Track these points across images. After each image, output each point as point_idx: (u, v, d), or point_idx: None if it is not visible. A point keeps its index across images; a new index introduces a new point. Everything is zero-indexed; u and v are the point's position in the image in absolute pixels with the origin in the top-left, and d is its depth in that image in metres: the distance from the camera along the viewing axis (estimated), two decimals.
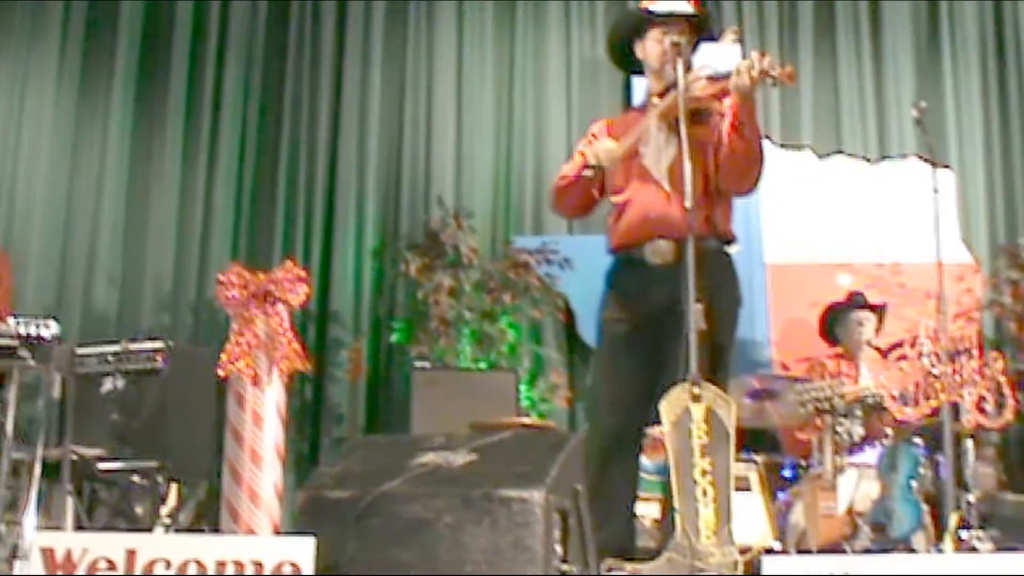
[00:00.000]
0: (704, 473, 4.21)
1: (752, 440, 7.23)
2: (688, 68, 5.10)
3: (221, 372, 7.15)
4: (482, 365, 8.10)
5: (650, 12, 5.22)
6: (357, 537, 3.88)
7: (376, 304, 8.74)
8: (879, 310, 7.68)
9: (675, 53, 4.90)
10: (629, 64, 5.40)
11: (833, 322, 7.76)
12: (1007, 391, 5.19)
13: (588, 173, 5.07)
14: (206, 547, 3.79)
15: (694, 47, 5.26)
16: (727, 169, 4.95)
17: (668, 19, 5.18)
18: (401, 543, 3.84)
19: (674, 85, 4.88)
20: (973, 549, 5.55)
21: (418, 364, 7.98)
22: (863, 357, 7.51)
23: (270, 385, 7.21)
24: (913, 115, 5.96)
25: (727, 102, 4.87)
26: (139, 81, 9.06)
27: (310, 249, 8.80)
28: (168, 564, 3.72)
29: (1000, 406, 5.23)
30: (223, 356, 7.21)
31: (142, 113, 9.01)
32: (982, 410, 5.23)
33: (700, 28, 5.26)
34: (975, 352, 5.28)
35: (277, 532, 7.04)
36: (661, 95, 5.09)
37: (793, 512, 6.61)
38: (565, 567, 3.87)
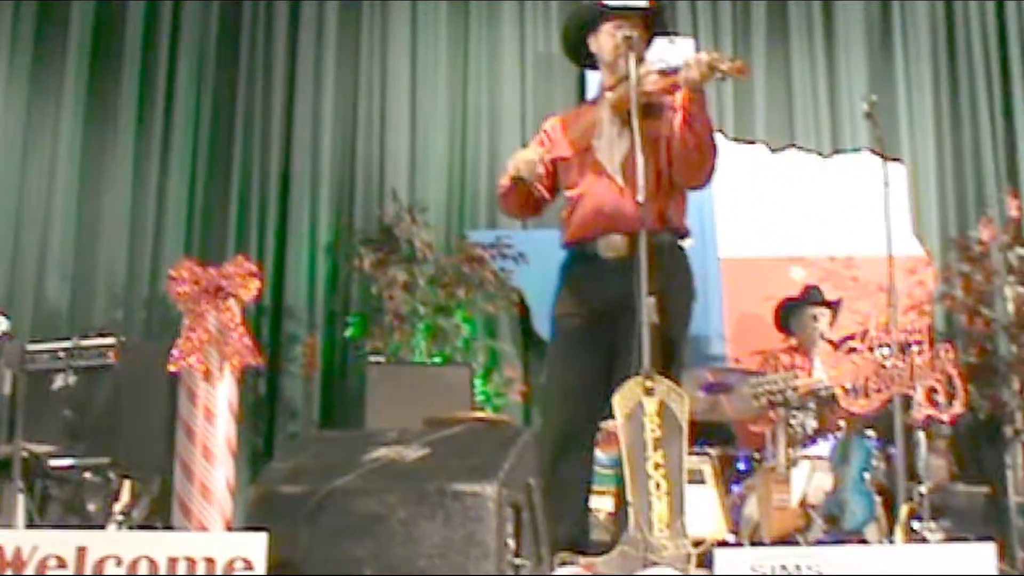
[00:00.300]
0: (657, 466, 4.21)
1: (706, 433, 7.25)
2: (640, 62, 5.10)
3: (172, 367, 7.11)
4: (436, 360, 8.09)
5: (604, 5, 5.22)
6: (310, 532, 3.88)
7: (330, 299, 8.72)
8: (834, 306, 7.72)
9: (627, 47, 4.89)
10: (583, 58, 5.39)
11: (788, 315, 7.80)
12: (957, 383, 5.22)
13: (506, 182, 5.10)
14: (157, 544, 3.77)
15: (648, 42, 5.27)
16: (680, 163, 4.94)
17: (622, 13, 5.18)
18: (354, 538, 3.84)
19: (626, 79, 4.88)
20: (924, 540, 5.59)
21: (372, 359, 7.97)
22: (817, 350, 7.54)
23: (221, 380, 7.18)
24: (863, 109, 5.98)
25: (679, 96, 4.87)
26: (91, 77, 8.99)
27: (264, 244, 8.77)
28: (119, 561, 3.70)
29: (951, 398, 5.26)
30: (174, 351, 7.17)
31: (94, 109, 8.94)
32: (933, 402, 5.26)
33: (654, 23, 5.26)
34: (926, 344, 5.31)
35: (229, 528, 7.01)
36: (613, 89, 5.09)
37: (747, 505, 6.64)
38: (518, 561, 3.88)
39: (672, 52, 5.34)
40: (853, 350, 5.38)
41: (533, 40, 9.27)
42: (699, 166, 4.99)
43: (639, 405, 4.27)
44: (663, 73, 4.93)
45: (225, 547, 3.74)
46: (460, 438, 4.19)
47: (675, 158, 4.92)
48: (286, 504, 3.95)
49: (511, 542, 3.85)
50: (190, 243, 8.73)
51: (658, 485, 4.20)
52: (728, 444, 7.46)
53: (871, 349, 5.33)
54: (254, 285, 7.51)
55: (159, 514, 7.14)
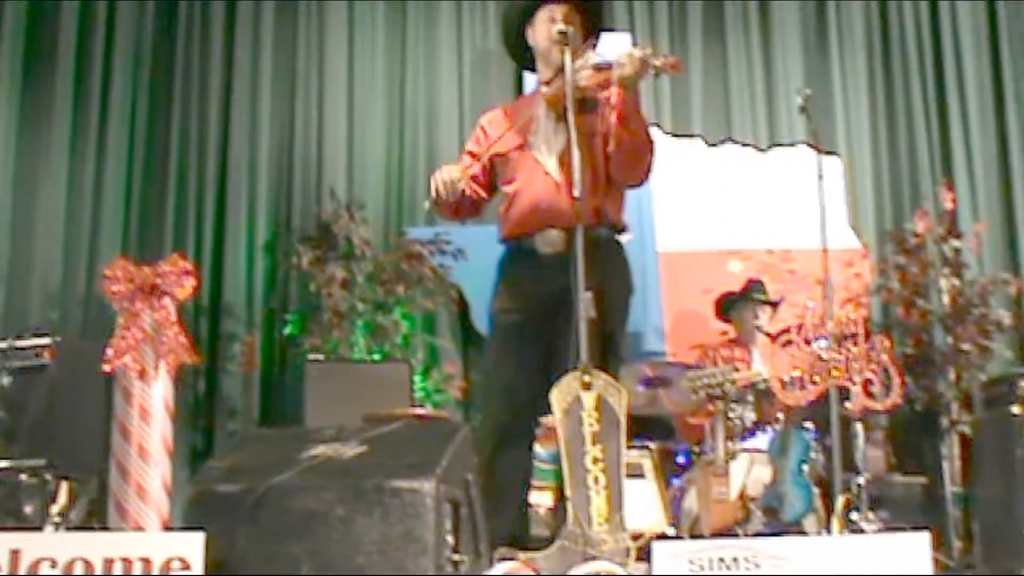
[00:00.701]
0: (595, 461, 4.23)
1: (646, 427, 7.27)
2: (577, 56, 5.11)
3: (107, 367, 7.06)
4: (376, 357, 8.07)
5: None
6: (247, 531, 3.84)
7: (269, 297, 8.68)
8: (775, 305, 7.76)
9: (562, 42, 4.90)
10: (525, 58, 5.38)
11: (729, 307, 7.84)
12: (893, 374, 5.27)
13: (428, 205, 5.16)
14: (93, 545, 3.73)
15: (589, 36, 5.27)
16: (616, 161, 4.96)
17: (555, 1, 5.19)
18: (292, 536, 3.81)
19: (562, 72, 4.88)
20: (860, 531, 5.63)
21: (311, 356, 7.94)
22: (756, 343, 7.58)
23: (157, 379, 7.11)
24: (798, 102, 6.02)
25: (614, 92, 4.87)
26: (25, 77, 8.86)
27: (202, 242, 8.71)
28: (54, 563, 3.66)
29: (887, 388, 5.30)
30: (109, 351, 7.12)
31: (29, 109, 8.82)
32: (869, 393, 5.30)
33: (590, 14, 5.26)
34: (862, 336, 5.34)
35: (167, 528, 6.96)
36: (550, 83, 5.09)
37: (686, 498, 6.66)
38: (456, 557, 3.87)
39: (607, 46, 5.36)
40: (790, 343, 5.41)
41: (471, 38, 9.27)
42: (635, 165, 5.02)
43: (577, 400, 4.28)
44: (598, 68, 4.94)
45: (162, 547, 3.71)
46: (398, 435, 4.17)
47: (612, 156, 4.93)
48: (223, 503, 3.91)
49: (449, 538, 3.83)
50: (127, 242, 8.65)
51: (596, 479, 4.22)
52: (668, 438, 7.48)
53: (807, 342, 5.36)
54: (189, 283, 7.44)
55: (97, 515, 7.08)
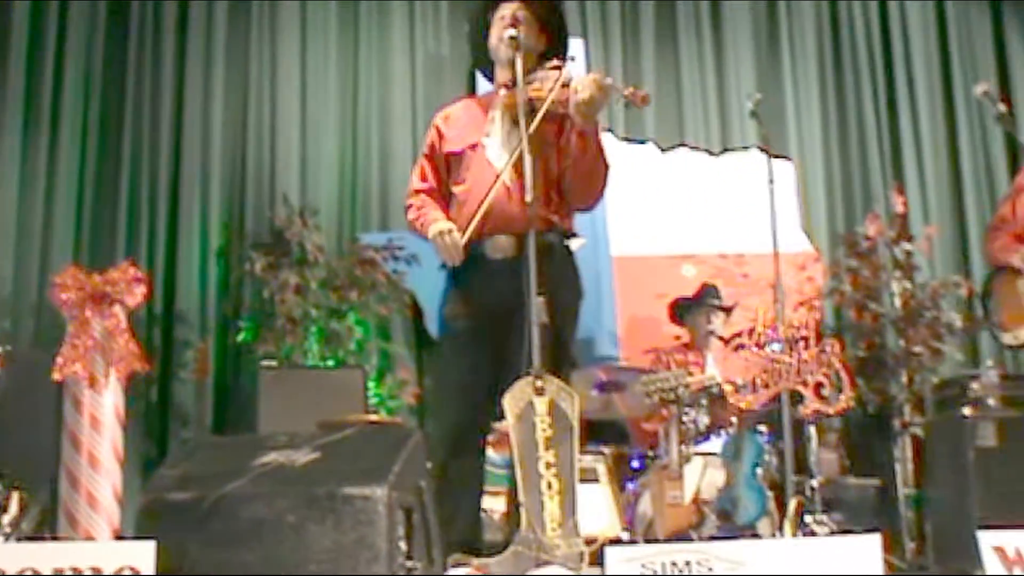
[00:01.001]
0: (548, 466, 4.24)
1: (600, 432, 7.28)
2: (538, 63, 5.13)
3: (57, 375, 7.01)
4: (329, 363, 8.04)
5: None
6: (199, 539, 3.84)
7: (222, 303, 8.62)
8: (729, 310, 7.79)
9: (514, 47, 4.91)
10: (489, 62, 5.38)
11: (683, 312, 7.87)
12: (844, 377, 5.29)
13: (414, 221, 5.19)
14: (42, 555, 3.71)
15: (551, 41, 5.28)
16: (569, 184, 4.98)
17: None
18: (244, 544, 3.80)
19: (524, 75, 4.90)
20: (813, 533, 5.65)
21: (264, 363, 7.91)
22: (709, 347, 7.60)
23: (107, 388, 7.07)
24: (749, 107, 6.04)
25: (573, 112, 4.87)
26: None
27: (154, 249, 8.65)
28: (3, 574, 3.63)
29: (838, 391, 5.32)
30: (59, 359, 7.07)
31: None
32: (820, 396, 5.32)
33: (548, 16, 5.26)
34: (813, 340, 5.37)
35: (118, 537, 6.92)
36: (507, 86, 5.09)
37: (641, 502, 6.67)
38: (409, 564, 3.86)
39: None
40: (741, 347, 5.43)
41: (423, 42, 9.26)
42: (588, 190, 5.07)
43: (530, 405, 4.28)
44: (565, 86, 4.93)
45: (112, 556, 3.69)
46: (350, 441, 4.17)
47: (565, 179, 4.96)
48: (175, 511, 3.90)
49: (402, 545, 3.83)
50: (79, 249, 8.57)
51: (550, 485, 4.22)
52: (622, 442, 7.49)
53: (759, 346, 5.38)
54: (140, 291, 7.40)
55: (48, 525, 7.02)
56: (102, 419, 6.99)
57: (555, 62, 5.16)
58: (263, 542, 3.79)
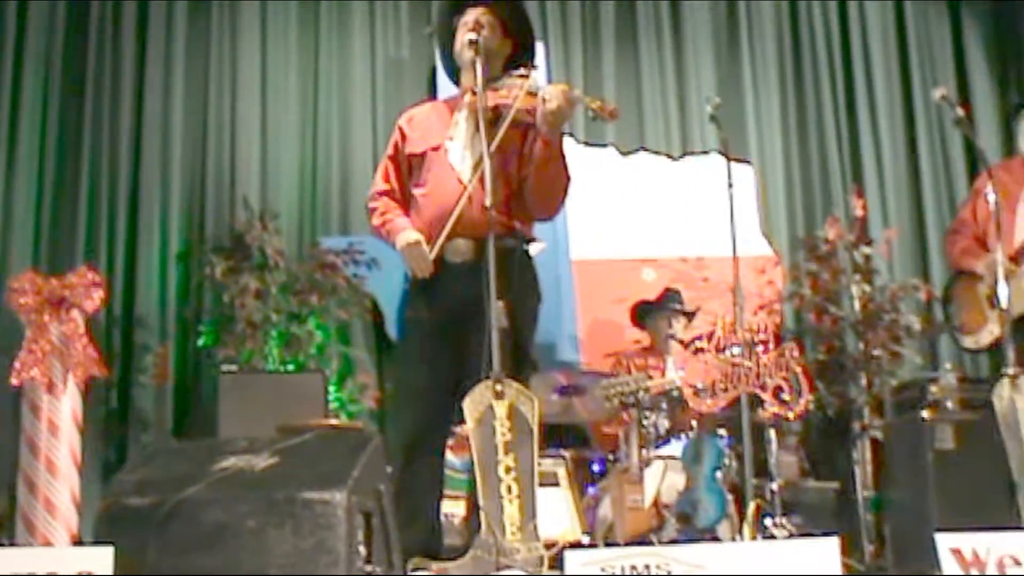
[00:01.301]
0: (508, 470, 4.24)
1: (560, 435, 7.30)
2: (504, 69, 5.15)
3: (14, 381, 6.97)
4: (290, 367, 8.02)
5: None
6: (158, 544, 3.82)
7: (182, 308, 8.58)
8: (690, 315, 7.80)
9: (473, 51, 4.92)
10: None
11: (644, 316, 7.88)
12: (802, 380, 5.30)
13: (378, 225, 5.21)
14: (0, 561, 3.68)
15: (516, 46, 5.29)
16: (530, 194, 5.00)
17: (471, 4, 5.20)
18: (203, 549, 3.79)
19: (490, 81, 4.92)
20: (772, 536, 5.67)
21: (225, 367, 7.88)
22: (670, 351, 7.62)
23: (65, 393, 7.04)
24: (708, 111, 6.06)
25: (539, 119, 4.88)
26: None
27: (114, 253, 8.60)
28: None
29: (797, 395, 5.34)
30: (16, 364, 7.03)
31: None
32: (780, 400, 5.34)
33: (510, 23, 5.27)
34: (772, 343, 5.38)
35: (76, 543, 6.88)
36: (473, 91, 5.09)
37: (601, 506, 6.68)
38: (369, 568, 3.86)
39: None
40: (701, 350, 5.43)
41: (384, 46, 9.24)
42: (549, 201, 5.11)
43: (489, 409, 4.29)
44: (532, 93, 4.94)
45: (70, 562, 3.67)
46: (309, 446, 4.16)
47: (526, 188, 4.97)
48: (133, 517, 3.88)
49: (362, 549, 3.82)
50: (38, 253, 8.51)
51: (509, 489, 4.22)
52: (582, 446, 7.51)
53: (718, 349, 5.39)
54: (98, 295, 7.36)
55: (7, 531, 6.98)
56: (60, 424, 6.95)
57: (521, 70, 5.17)
58: (222, 547, 3.77)
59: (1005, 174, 6.23)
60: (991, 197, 5.46)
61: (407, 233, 5.00)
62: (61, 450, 6.97)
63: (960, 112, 5.74)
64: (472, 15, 5.16)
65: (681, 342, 7.46)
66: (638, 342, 7.98)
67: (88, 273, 7.32)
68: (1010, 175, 6.26)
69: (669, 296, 7.89)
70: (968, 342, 6.33)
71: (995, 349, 6.03)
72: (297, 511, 3.76)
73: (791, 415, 5.33)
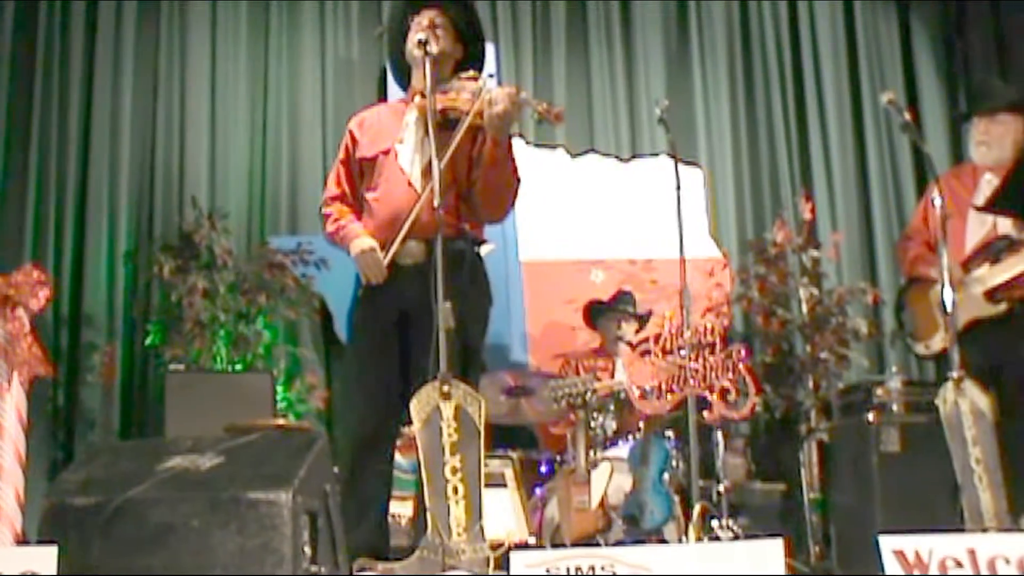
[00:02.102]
0: (454, 471, 4.24)
1: (508, 436, 7.31)
2: (454, 72, 5.15)
3: None
4: (238, 367, 7.98)
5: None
6: (102, 544, 3.80)
7: (129, 307, 8.53)
8: (642, 317, 7.82)
9: (423, 52, 4.91)
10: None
11: (596, 316, 7.90)
12: (749, 382, 5.33)
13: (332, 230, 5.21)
14: None
15: (466, 49, 5.29)
16: (479, 197, 5.02)
17: (426, 5, 5.21)
18: (147, 549, 3.77)
19: (438, 83, 4.92)
20: (717, 538, 5.70)
21: (172, 367, 7.84)
22: (620, 353, 7.64)
23: (10, 392, 6.99)
24: (657, 113, 6.08)
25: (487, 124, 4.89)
26: None
27: (61, 252, 8.54)
28: None
29: (744, 397, 5.37)
30: None
31: None
32: (726, 402, 5.36)
33: (462, 26, 5.27)
34: (719, 345, 5.41)
35: (20, 542, 6.84)
36: (423, 93, 5.09)
37: (548, 507, 6.69)
38: (314, 568, 3.85)
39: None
40: (647, 352, 5.46)
41: (333, 45, 9.22)
42: (497, 204, 5.14)
43: (436, 410, 4.28)
44: (476, 95, 4.95)
45: (14, 561, 3.64)
46: (255, 446, 4.14)
47: (475, 191, 4.98)
48: (77, 516, 3.86)
49: (307, 549, 3.81)
50: None
51: (456, 489, 4.22)
52: (530, 447, 7.52)
53: (665, 351, 5.41)
54: (43, 294, 7.30)
55: None
56: (5, 424, 6.90)
57: (471, 72, 5.18)
58: (167, 547, 3.76)
59: (956, 181, 6.30)
60: (937, 203, 5.50)
61: (362, 240, 5.02)
62: (6, 450, 6.92)
63: (907, 117, 5.78)
64: (426, 16, 5.16)
65: (629, 344, 7.48)
66: (587, 342, 7.99)
67: (34, 272, 7.26)
68: (960, 182, 6.33)
69: (621, 298, 7.91)
70: (920, 349, 6.39)
71: (946, 355, 6.09)
72: (242, 511, 3.75)
73: (737, 417, 5.36)
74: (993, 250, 6.08)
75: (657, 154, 9.19)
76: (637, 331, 7.70)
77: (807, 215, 8.73)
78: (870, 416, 6.67)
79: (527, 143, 8.90)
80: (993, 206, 5.73)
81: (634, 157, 9.33)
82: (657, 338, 5.45)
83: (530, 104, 4.88)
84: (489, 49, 8.02)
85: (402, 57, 5.31)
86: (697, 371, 5.35)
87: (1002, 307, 6.02)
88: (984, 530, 4.93)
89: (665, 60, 9.67)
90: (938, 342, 6.20)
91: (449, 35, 5.21)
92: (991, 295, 6.03)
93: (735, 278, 8.86)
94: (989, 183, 6.19)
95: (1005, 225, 6.09)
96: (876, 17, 10.09)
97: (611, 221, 9.09)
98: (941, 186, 5.57)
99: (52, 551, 3.65)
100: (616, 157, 9.31)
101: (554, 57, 9.46)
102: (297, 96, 9.11)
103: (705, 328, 5.47)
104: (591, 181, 9.19)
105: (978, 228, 6.19)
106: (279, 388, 7.90)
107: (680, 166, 5.99)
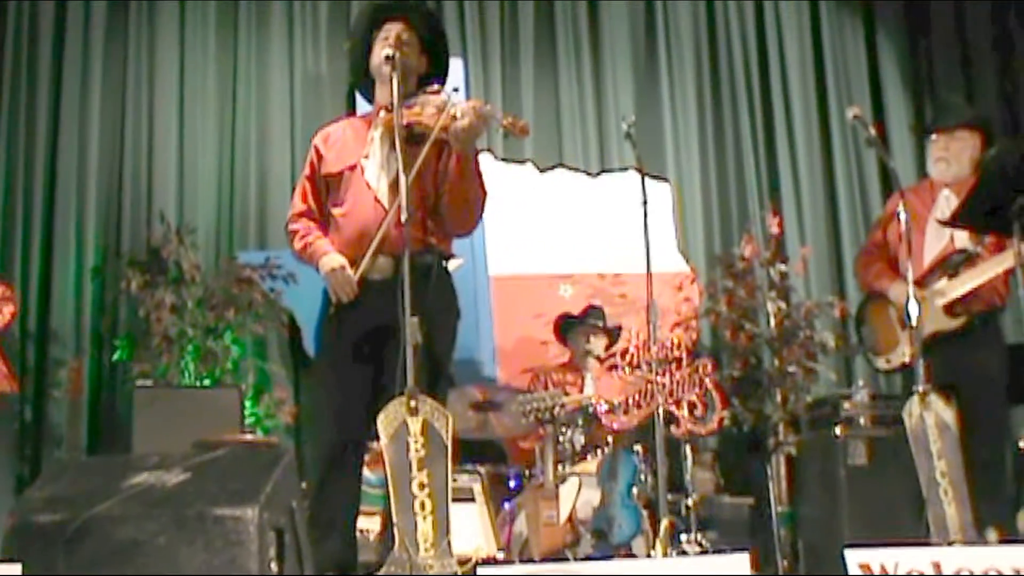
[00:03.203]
0: (422, 486, 4.24)
1: (477, 451, 7.30)
2: (419, 86, 5.16)
3: None
4: (206, 382, 7.95)
5: (374, 11, 5.27)
6: (67, 562, 3.78)
7: (97, 322, 8.50)
8: (613, 331, 7.83)
9: (390, 67, 4.92)
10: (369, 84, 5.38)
11: (566, 330, 7.91)
12: (715, 397, 5.36)
13: (299, 248, 5.21)
14: None
15: (431, 63, 5.30)
16: (446, 210, 5.02)
17: (391, 19, 5.21)
18: (114, 566, 3.75)
19: (404, 98, 4.92)
20: (684, 552, 5.71)
21: (140, 382, 7.81)
22: (589, 368, 7.64)
23: None
24: (623, 129, 6.10)
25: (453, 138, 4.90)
26: None
27: (28, 266, 8.50)
28: None
29: (710, 410, 5.39)
30: None
31: None
32: (693, 416, 5.39)
33: (427, 40, 5.28)
34: (686, 360, 5.43)
35: None
36: (388, 108, 5.09)
37: (516, 521, 6.68)
38: None
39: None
40: (615, 367, 5.48)
41: (302, 60, 9.22)
42: (464, 217, 5.12)
43: (404, 425, 4.29)
44: (442, 110, 4.95)
45: None
46: (221, 462, 4.13)
47: (442, 204, 4.99)
48: (42, 533, 3.83)
49: (273, 566, 3.81)
50: None
51: (423, 505, 4.22)
52: (499, 461, 7.51)
53: (632, 366, 5.43)
54: (8, 310, 7.30)
55: None
56: None
57: (435, 86, 5.18)
58: (133, 564, 3.74)
59: (914, 197, 6.34)
60: (903, 217, 5.54)
61: (331, 257, 5.01)
62: None
63: (872, 132, 5.83)
64: (392, 31, 5.16)
65: (598, 358, 7.49)
66: (556, 356, 8.00)
67: (0, 287, 7.25)
68: (919, 198, 6.40)
69: (590, 312, 7.92)
70: (880, 363, 6.44)
71: (907, 369, 6.13)
72: (208, 527, 3.74)
73: (704, 431, 5.39)
74: (951, 264, 6.17)
75: (626, 169, 9.19)
76: (608, 346, 7.70)
77: (775, 229, 8.74)
78: (837, 430, 6.71)
79: (496, 158, 8.92)
80: (956, 220, 5.77)
81: (603, 172, 9.35)
82: (624, 353, 5.48)
83: (495, 118, 4.88)
84: (458, 64, 8.11)
85: (366, 71, 5.31)
86: (664, 386, 5.37)
87: (961, 320, 6.09)
88: (949, 543, 4.96)
89: (633, 75, 9.69)
90: (898, 356, 6.26)
91: (414, 49, 5.20)
92: (950, 308, 6.10)
93: (703, 292, 8.87)
94: (947, 199, 6.26)
95: (962, 239, 6.16)
96: (843, 33, 10.15)
97: (580, 235, 9.10)
98: (902, 201, 5.62)
99: (16, 569, 3.63)
100: (585, 172, 9.33)
101: (522, 72, 9.47)
102: (266, 110, 9.10)
103: (671, 343, 5.50)
104: (560, 196, 9.21)
105: (936, 243, 6.27)
106: (247, 403, 7.87)
107: (648, 181, 6.01)
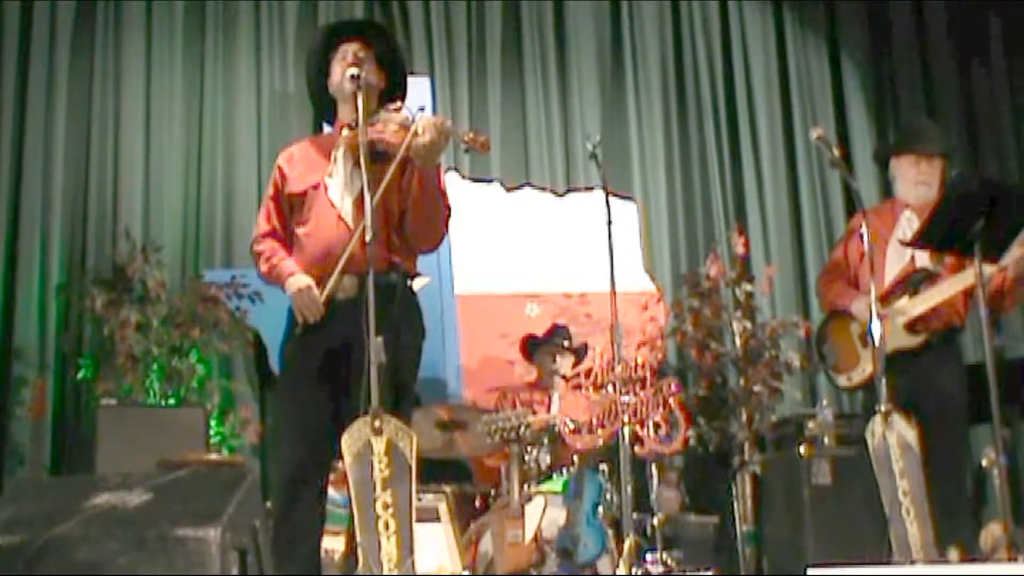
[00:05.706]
0: (386, 506, 4.24)
1: (442, 470, 7.30)
2: (379, 103, 5.16)
3: None
4: (171, 401, 7.92)
5: (328, 27, 5.29)
6: None
7: (61, 340, 8.45)
8: (578, 351, 7.85)
9: (355, 86, 4.92)
10: (328, 103, 5.38)
11: (533, 350, 7.93)
12: (679, 416, 5.37)
13: (265, 271, 5.20)
14: None
15: (389, 78, 5.30)
16: (410, 227, 5.02)
17: (348, 38, 5.22)
18: None
19: (368, 117, 4.93)
20: (648, 572, 5.72)
21: (104, 401, 7.76)
22: (556, 387, 7.64)
23: None
24: (589, 149, 6.13)
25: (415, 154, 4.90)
26: None
27: None
28: None
29: (675, 429, 5.41)
30: None
31: None
32: (657, 436, 5.40)
33: (385, 57, 5.29)
34: (650, 379, 5.44)
35: None
36: (351, 126, 5.10)
37: (482, 541, 6.68)
38: None
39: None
40: (579, 387, 5.49)
41: (269, 78, 9.21)
42: (428, 233, 5.13)
43: (367, 445, 4.28)
44: (403, 126, 4.96)
45: None
46: (184, 482, 4.10)
47: (406, 221, 4.99)
48: (1, 555, 3.81)
49: None
50: None
51: (387, 525, 4.22)
52: (464, 481, 7.51)
53: (596, 386, 5.44)
54: None
55: None
56: None
57: (397, 103, 5.20)
58: None
59: (876, 217, 6.40)
60: (866, 236, 5.58)
61: (297, 278, 5.00)
62: None
63: (836, 153, 5.86)
64: (350, 50, 5.17)
65: (564, 378, 7.50)
66: (522, 376, 8.01)
67: None
68: (880, 218, 6.47)
69: (556, 331, 7.94)
70: (842, 381, 6.49)
71: (868, 387, 6.17)
72: (170, 548, 3.71)
73: (668, 451, 5.39)
74: (912, 282, 6.24)
75: (592, 188, 9.21)
76: (575, 365, 7.72)
77: (740, 249, 8.80)
78: (802, 449, 6.72)
79: (463, 177, 8.93)
80: (919, 240, 5.82)
81: (569, 191, 9.36)
82: (588, 372, 5.48)
83: (456, 134, 4.89)
84: (425, 84, 8.12)
85: (324, 91, 5.31)
86: (628, 405, 5.38)
87: (921, 338, 6.15)
88: (911, 562, 4.98)
89: (600, 94, 9.72)
90: (859, 374, 6.33)
91: (373, 67, 5.21)
92: (911, 326, 6.15)
93: (669, 312, 8.90)
94: (909, 220, 6.34)
95: (922, 259, 6.23)
96: (808, 54, 10.22)
97: (546, 255, 9.13)
98: (864, 221, 5.67)
99: None
100: (551, 191, 9.34)
101: (489, 91, 9.48)
102: (232, 129, 9.08)
103: (636, 363, 5.51)
104: (526, 215, 9.23)
105: (896, 262, 6.35)
106: (212, 422, 7.84)
107: (614, 200, 6.03)
